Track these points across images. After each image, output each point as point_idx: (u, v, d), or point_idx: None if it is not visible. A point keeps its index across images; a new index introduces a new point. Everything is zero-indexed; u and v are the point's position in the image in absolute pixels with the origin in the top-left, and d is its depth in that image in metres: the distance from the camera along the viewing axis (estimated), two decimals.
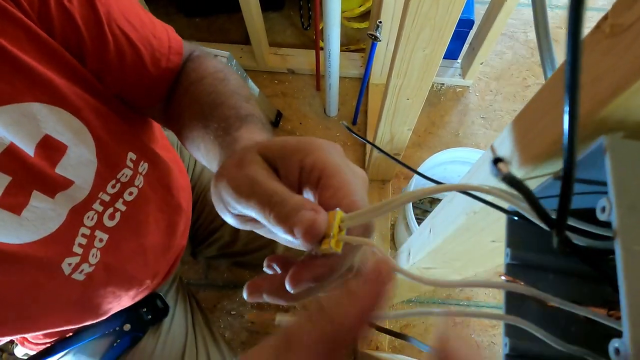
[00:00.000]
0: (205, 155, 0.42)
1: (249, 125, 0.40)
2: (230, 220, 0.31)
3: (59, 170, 0.42)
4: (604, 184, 0.22)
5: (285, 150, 0.28)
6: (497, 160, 0.14)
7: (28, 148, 0.38)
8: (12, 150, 0.37)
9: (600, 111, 0.18)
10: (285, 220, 0.25)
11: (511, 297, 0.25)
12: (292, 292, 0.26)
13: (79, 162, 0.43)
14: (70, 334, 0.63)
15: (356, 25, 1.61)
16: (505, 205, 0.28)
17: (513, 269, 0.26)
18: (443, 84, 1.56)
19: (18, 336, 0.48)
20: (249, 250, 0.80)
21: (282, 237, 0.26)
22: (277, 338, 0.19)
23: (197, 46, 0.55)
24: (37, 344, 0.63)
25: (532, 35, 1.67)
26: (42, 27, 0.38)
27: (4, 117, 0.36)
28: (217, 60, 0.52)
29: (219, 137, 0.39)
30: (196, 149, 0.44)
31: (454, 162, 1.12)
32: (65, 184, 0.43)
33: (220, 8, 1.70)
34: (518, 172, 0.27)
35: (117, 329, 0.65)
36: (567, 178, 0.15)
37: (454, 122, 1.51)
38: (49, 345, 0.62)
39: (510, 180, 0.15)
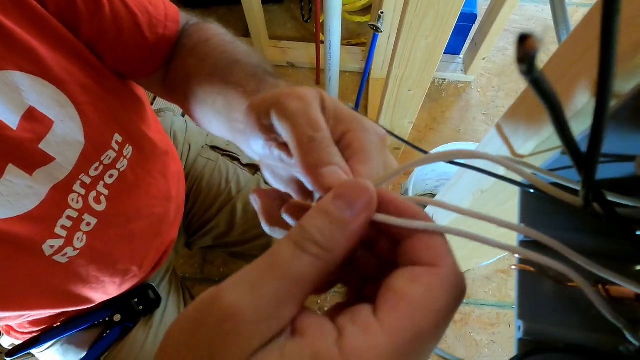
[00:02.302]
0: (225, 107, 0.40)
1: (287, 81, 0.39)
2: (252, 143, 0.29)
3: (43, 145, 0.40)
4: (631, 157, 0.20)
5: (338, 115, 0.27)
6: (523, 38, 0.11)
7: (12, 119, 0.37)
8: None
9: (636, 55, 0.16)
10: (316, 164, 0.23)
11: (525, 276, 0.23)
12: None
13: (65, 140, 0.41)
14: (58, 323, 0.61)
15: (357, 18, 1.59)
16: (519, 178, 0.26)
17: (527, 248, 0.24)
18: (445, 79, 1.54)
19: None
20: (245, 240, 0.77)
21: (298, 172, 0.25)
22: (268, 268, 0.17)
23: (193, 16, 0.53)
24: (23, 333, 0.60)
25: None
26: None
27: None
28: (218, 25, 0.51)
29: (249, 83, 0.38)
30: (210, 105, 0.42)
31: None
32: (45, 160, 0.41)
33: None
34: (529, 145, 0.25)
35: (107, 319, 0.63)
36: (602, 88, 0.12)
37: (455, 118, 1.49)
38: (35, 334, 0.60)
39: (535, 71, 0.11)
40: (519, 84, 1.54)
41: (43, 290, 0.47)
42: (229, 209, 0.76)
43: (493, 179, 0.35)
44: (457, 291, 0.18)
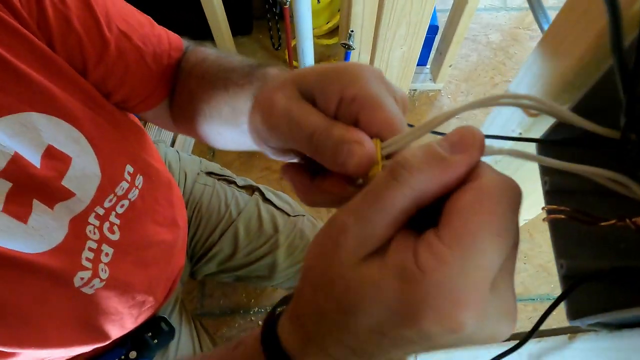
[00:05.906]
0: (231, 114, 0.41)
1: (276, 67, 0.40)
2: (268, 153, 0.32)
3: (65, 182, 0.41)
4: None
5: (324, 80, 0.26)
6: None
7: (34, 159, 0.38)
8: (16, 160, 0.36)
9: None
10: (332, 156, 0.25)
11: (557, 224, 0.25)
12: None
13: (84, 174, 0.42)
14: None
15: (325, 41, 1.65)
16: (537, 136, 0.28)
17: (553, 197, 0.26)
18: (416, 89, 1.61)
19: (18, 350, 0.44)
20: (250, 262, 0.77)
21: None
22: (365, 194, 0.20)
23: (191, 42, 0.55)
24: None
25: (493, 37, 1.75)
26: (42, 35, 0.38)
27: (6, 128, 0.35)
28: (212, 46, 0.53)
29: (243, 81, 0.40)
30: (217, 117, 0.43)
31: None
32: (66, 195, 0.42)
33: (193, 34, 1.71)
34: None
35: (123, 357, 0.61)
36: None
37: None
38: None
39: None
40: (486, 87, 1.62)
41: (68, 324, 0.46)
42: (232, 232, 0.76)
43: None
44: (502, 190, 0.19)
